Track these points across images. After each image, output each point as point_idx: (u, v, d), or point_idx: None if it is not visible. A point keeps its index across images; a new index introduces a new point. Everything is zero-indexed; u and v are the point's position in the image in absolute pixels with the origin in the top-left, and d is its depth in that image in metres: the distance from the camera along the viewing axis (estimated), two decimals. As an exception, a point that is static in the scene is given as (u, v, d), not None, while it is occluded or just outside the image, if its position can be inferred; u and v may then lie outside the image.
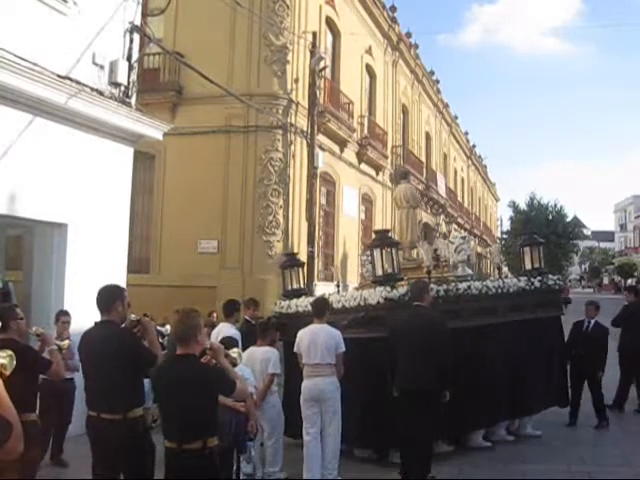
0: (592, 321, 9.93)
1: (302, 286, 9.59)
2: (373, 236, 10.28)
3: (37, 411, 5.34)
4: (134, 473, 4.63)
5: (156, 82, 16.89)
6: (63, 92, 8.33)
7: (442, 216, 35.87)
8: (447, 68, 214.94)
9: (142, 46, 10.74)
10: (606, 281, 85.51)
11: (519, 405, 8.57)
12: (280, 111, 16.97)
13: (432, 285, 7.91)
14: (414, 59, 31.42)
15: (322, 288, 15.86)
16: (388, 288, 7.66)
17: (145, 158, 15.63)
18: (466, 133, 50.66)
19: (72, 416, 7.74)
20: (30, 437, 2.80)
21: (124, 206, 10.01)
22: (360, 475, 7.34)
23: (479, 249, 49.10)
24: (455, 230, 36.93)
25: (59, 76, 8.35)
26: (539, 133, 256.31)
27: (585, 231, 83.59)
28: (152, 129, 10.01)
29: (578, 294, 50.79)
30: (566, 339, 9.82)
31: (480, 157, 57.40)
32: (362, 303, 7.80)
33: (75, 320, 7.68)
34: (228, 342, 5.65)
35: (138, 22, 10.19)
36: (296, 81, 17.50)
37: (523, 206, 62.87)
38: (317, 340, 6.75)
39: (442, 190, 35.29)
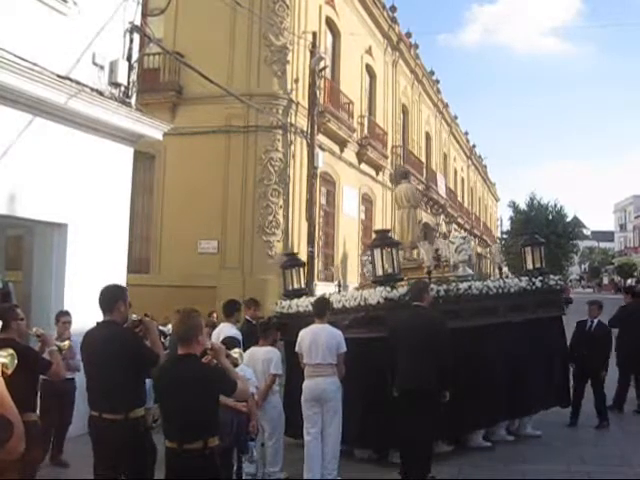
0: (595, 321, 9.93)
1: (303, 286, 9.59)
2: (373, 236, 10.28)
3: (38, 411, 5.34)
4: (134, 473, 4.63)
5: (156, 82, 16.91)
6: (63, 92, 8.33)
7: (442, 216, 35.88)
8: (447, 68, 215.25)
9: (142, 46, 10.73)
10: (606, 281, 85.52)
11: (519, 405, 8.57)
12: (280, 111, 16.98)
13: (432, 285, 7.90)
14: (414, 59, 31.43)
15: (322, 288, 15.86)
16: (388, 288, 7.65)
17: (145, 158, 15.63)
18: (466, 133, 50.68)
19: (72, 416, 7.75)
20: (31, 437, 2.79)
21: (124, 206, 10.01)
22: (360, 475, 7.34)
23: (479, 249, 49.11)
24: (455, 230, 36.95)
25: (59, 76, 8.35)
26: (539, 133, 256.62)
27: (585, 231, 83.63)
28: (152, 129, 10.01)
29: (578, 294, 50.84)
30: (569, 339, 9.82)
31: (480, 157, 57.43)
32: (362, 303, 7.80)
33: (75, 320, 7.69)
34: (230, 342, 5.65)
35: (138, 22, 10.19)
36: (296, 81, 17.51)
37: (523, 206, 62.88)
38: (318, 340, 6.75)
39: (442, 190, 35.31)
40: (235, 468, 6.27)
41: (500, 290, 8.53)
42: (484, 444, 8.31)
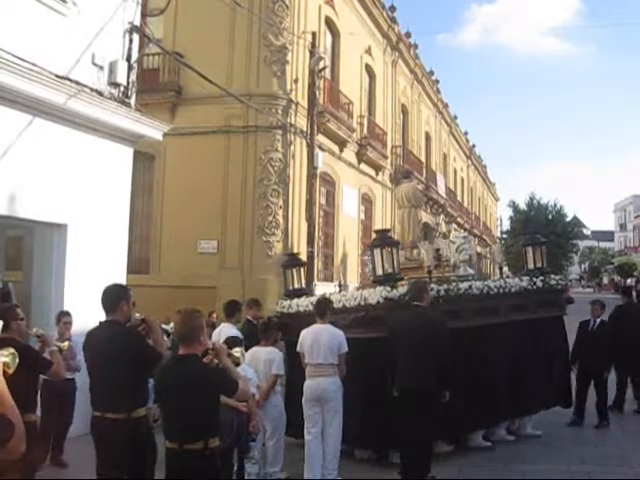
0: (597, 320, 9.95)
1: (303, 286, 9.59)
2: (373, 236, 10.28)
3: (39, 411, 5.34)
4: (135, 473, 4.62)
5: (156, 82, 16.90)
6: (62, 92, 8.33)
7: (442, 216, 35.84)
8: (446, 68, 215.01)
9: (141, 46, 10.75)
10: (606, 281, 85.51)
11: (520, 405, 8.57)
12: (280, 111, 16.98)
13: (433, 285, 7.91)
14: (413, 59, 31.43)
15: (322, 288, 15.86)
16: (388, 288, 7.65)
17: (145, 158, 15.63)
18: (466, 133, 50.69)
19: (73, 417, 7.75)
20: (31, 437, 2.79)
21: (124, 206, 10.01)
22: (360, 475, 7.34)
23: (479, 249, 49.09)
24: (455, 230, 36.90)
25: (58, 76, 8.35)
26: (539, 133, 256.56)
27: (585, 231, 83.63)
28: (152, 129, 10.01)
29: (578, 294, 50.76)
30: (572, 339, 9.82)
31: (480, 157, 57.42)
32: (362, 303, 7.79)
33: (75, 320, 7.71)
34: (232, 341, 5.65)
35: (137, 22, 10.19)
36: (295, 81, 17.50)
37: (523, 206, 62.88)
38: (320, 340, 6.76)
39: (442, 190, 35.31)
40: (235, 468, 6.28)
41: (501, 290, 8.53)
42: (484, 444, 8.32)
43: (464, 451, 8.08)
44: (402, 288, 7.68)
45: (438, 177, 35.38)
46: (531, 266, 9.49)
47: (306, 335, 6.93)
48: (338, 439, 6.83)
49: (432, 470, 6.65)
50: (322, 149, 18.55)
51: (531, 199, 62.43)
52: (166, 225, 17.14)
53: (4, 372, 2.57)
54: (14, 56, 7.57)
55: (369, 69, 25.13)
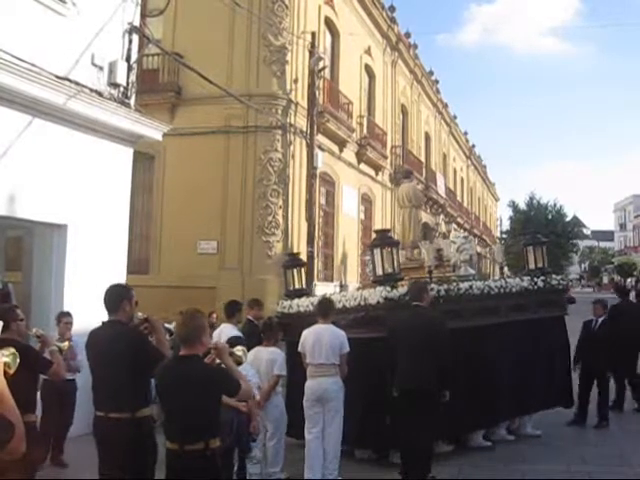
0: (599, 320, 9.95)
1: (304, 286, 9.59)
2: (373, 236, 10.28)
3: (38, 411, 5.33)
4: (135, 473, 4.62)
5: (155, 83, 16.91)
6: (62, 93, 8.33)
7: (441, 216, 35.83)
8: (446, 68, 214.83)
9: (141, 47, 10.75)
10: (606, 280, 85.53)
11: (520, 405, 8.57)
12: (279, 111, 16.98)
13: (433, 285, 7.91)
14: (413, 59, 31.44)
15: (322, 288, 15.87)
16: (388, 288, 7.65)
17: (145, 159, 15.63)
18: (465, 133, 50.69)
19: (73, 417, 7.75)
20: (31, 438, 2.79)
21: (124, 207, 10.01)
22: (360, 475, 7.33)
23: (479, 249, 49.09)
24: (455, 230, 36.90)
25: (58, 77, 8.34)
26: (539, 133, 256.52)
27: (585, 230, 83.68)
28: (151, 130, 10.01)
29: (578, 293, 50.72)
30: (576, 339, 9.83)
31: (479, 157, 57.42)
32: (362, 303, 7.79)
33: (75, 321, 7.71)
34: (234, 341, 5.64)
35: (137, 23, 10.19)
36: (295, 81, 17.51)
37: (523, 206, 62.92)
38: (322, 340, 6.76)
39: (441, 190, 35.31)
40: (236, 468, 6.28)
41: (502, 290, 8.53)
42: (484, 444, 8.31)
43: (464, 451, 8.07)
44: (402, 288, 7.67)
45: (438, 177, 35.39)
46: (532, 266, 9.47)
47: (308, 335, 6.93)
48: (338, 439, 6.83)
49: (432, 470, 6.65)
50: (322, 149, 18.55)
51: (531, 199, 62.53)
52: (166, 225, 17.14)
53: (5, 372, 2.57)
54: (13, 56, 7.57)
55: (369, 69, 25.13)
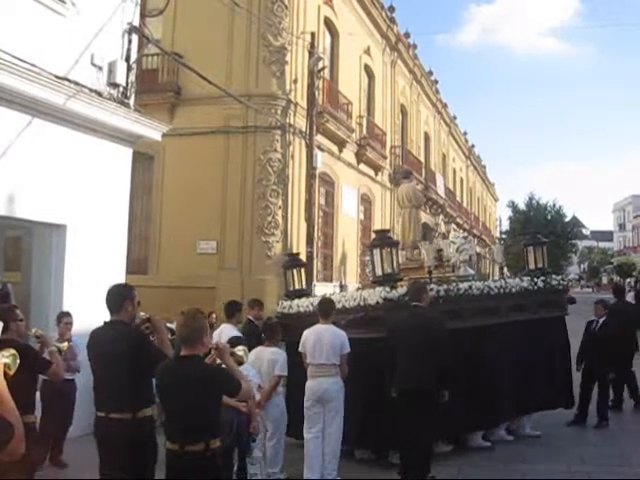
0: (600, 320, 9.97)
1: (304, 286, 9.59)
2: (372, 236, 10.28)
3: (38, 412, 5.32)
4: (135, 473, 4.61)
5: (155, 83, 16.90)
6: (61, 93, 8.33)
7: (441, 216, 35.88)
8: (445, 68, 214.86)
9: (140, 47, 10.74)
10: (605, 281, 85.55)
11: (520, 406, 8.57)
12: (279, 112, 16.98)
13: (432, 285, 7.91)
14: (412, 59, 31.44)
15: (321, 289, 15.87)
16: (387, 288, 7.65)
17: (144, 159, 15.62)
18: (465, 133, 50.68)
19: (72, 417, 7.75)
20: (30, 438, 2.79)
21: (123, 207, 10.01)
22: (360, 475, 7.33)
23: (478, 249, 49.10)
24: (454, 230, 36.92)
25: (57, 77, 8.34)
26: (538, 133, 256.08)
27: (584, 231, 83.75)
28: (151, 130, 10.01)
29: (577, 294, 50.75)
30: (576, 339, 9.83)
31: (479, 157, 57.44)
32: (362, 303, 7.79)
33: (75, 321, 7.71)
34: (235, 341, 5.65)
35: (136, 23, 10.18)
36: (295, 81, 17.51)
37: (522, 206, 62.94)
38: (322, 340, 6.76)
39: (441, 190, 35.31)
40: (236, 468, 6.27)
41: (501, 290, 8.53)
42: (484, 444, 8.31)
43: (464, 451, 8.07)
44: (401, 289, 7.67)
45: (437, 177, 35.38)
46: (532, 266, 9.47)
47: (308, 335, 6.93)
48: (338, 439, 6.83)
49: (432, 470, 6.65)
50: (321, 149, 18.55)
51: (530, 199, 62.57)
52: (165, 225, 17.14)
53: (5, 373, 2.57)
54: (13, 56, 7.56)
55: (368, 69, 25.13)
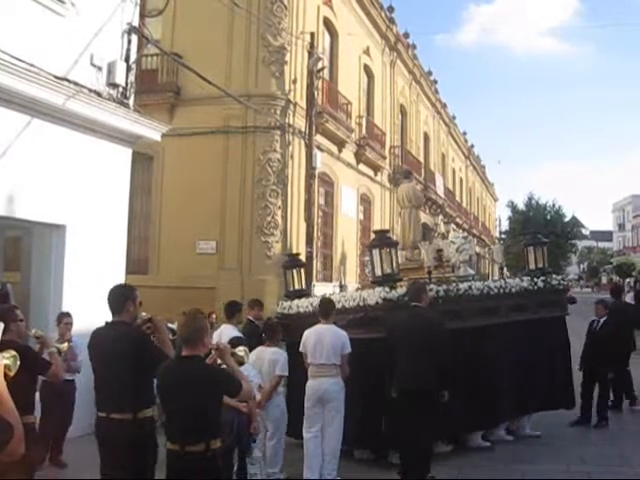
0: (601, 320, 9.99)
1: (304, 287, 9.59)
2: (372, 236, 10.28)
3: (37, 412, 5.32)
4: (135, 473, 4.61)
5: (154, 83, 16.89)
6: (61, 93, 8.33)
7: (440, 216, 35.87)
8: (445, 68, 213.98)
9: (140, 47, 10.73)
10: (604, 280, 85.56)
11: (520, 406, 8.57)
12: (278, 112, 16.98)
13: (432, 285, 7.91)
14: (412, 59, 31.44)
15: (321, 289, 15.86)
16: (387, 288, 7.65)
17: (143, 159, 15.62)
18: (464, 133, 50.68)
19: (72, 417, 7.75)
20: (30, 439, 2.79)
21: (122, 207, 10.00)
22: (359, 475, 7.33)
23: (478, 249, 49.12)
24: (454, 230, 36.92)
25: (57, 77, 8.34)
26: (538, 133, 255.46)
27: (583, 231, 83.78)
28: (150, 130, 10.01)
29: (577, 294, 50.76)
30: (576, 339, 9.86)
31: (478, 157, 57.44)
32: (361, 304, 7.79)
33: (74, 321, 7.70)
34: (236, 341, 5.65)
35: (136, 23, 10.18)
36: (294, 82, 17.50)
37: (521, 206, 62.96)
38: (323, 340, 6.76)
39: (440, 190, 35.31)
40: (236, 469, 6.27)
41: (501, 290, 8.52)
42: (483, 444, 8.31)
43: (463, 451, 8.07)
44: (401, 289, 7.67)
45: (437, 177, 35.38)
46: (532, 266, 9.47)
47: (309, 335, 6.93)
48: (338, 439, 6.83)
49: (431, 470, 6.65)
50: (321, 149, 18.55)
51: (530, 199, 62.62)
52: (165, 226, 17.13)
53: (5, 374, 2.57)
54: (12, 57, 7.56)
55: (367, 69, 25.13)
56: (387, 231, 9.18)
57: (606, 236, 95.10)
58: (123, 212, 10.01)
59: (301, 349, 7.00)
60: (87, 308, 7.82)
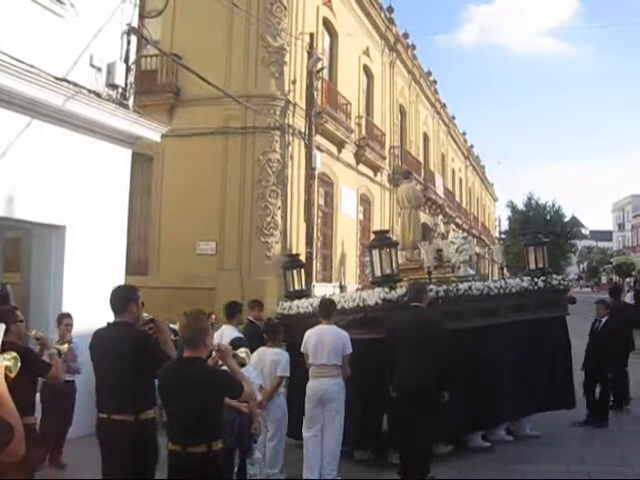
0: (602, 320, 9.99)
1: (304, 287, 9.59)
2: (372, 237, 10.27)
3: (38, 413, 5.31)
4: (136, 473, 4.61)
5: (153, 84, 16.89)
6: (60, 94, 8.33)
7: (440, 216, 35.88)
8: (444, 68, 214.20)
9: (139, 48, 10.73)
10: (604, 280, 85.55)
11: (520, 406, 8.57)
12: (278, 112, 16.98)
13: (432, 285, 7.91)
14: (411, 60, 31.44)
15: (320, 289, 15.87)
16: (386, 289, 7.65)
17: (143, 160, 15.61)
18: (464, 133, 50.66)
19: (72, 418, 7.75)
20: (30, 440, 2.79)
21: (122, 208, 10.00)
22: (359, 476, 7.34)
23: (477, 249, 49.09)
24: (453, 230, 36.94)
25: (56, 78, 8.34)
26: (537, 133, 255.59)
27: (583, 231, 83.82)
28: (150, 131, 10.01)
29: (577, 294, 50.78)
30: (576, 339, 9.87)
31: (478, 157, 57.45)
32: (361, 304, 7.79)
33: (74, 322, 7.69)
34: (237, 342, 5.65)
35: (135, 24, 10.18)
36: (293, 82, 17.51)
37: (521, 206, 62.97)
38: (324, 341, 6.77)
39: (440, 190, 35.31)
40: (236, 469, 6.27)
41: (501, 290, 8.52)
42: (483, 444, 8.31)
43: (463, 451, 8.07)
44: (401, 289, 7.67)
45: (436, 177, 35.37)
46: (532, 266, 9.47)
47: (310, 336, 6.93)
48: (338, 440, 6.83)
49: (431, 470, 6.65)
50: (320, 150, 18.55)
51: (529, 199, 62.64)
52: (164, 226, 17.13)
53: (6, 376, 2.57)
54: (12, 58, 7.56)
55: (367, 70, 25.14)
56: (387, 231, 9.18)
57: (606, 236, 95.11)
58: (123, 213, 10.02)
59: (302, 350, 7.01)
60: (87, 309, 7.83)
